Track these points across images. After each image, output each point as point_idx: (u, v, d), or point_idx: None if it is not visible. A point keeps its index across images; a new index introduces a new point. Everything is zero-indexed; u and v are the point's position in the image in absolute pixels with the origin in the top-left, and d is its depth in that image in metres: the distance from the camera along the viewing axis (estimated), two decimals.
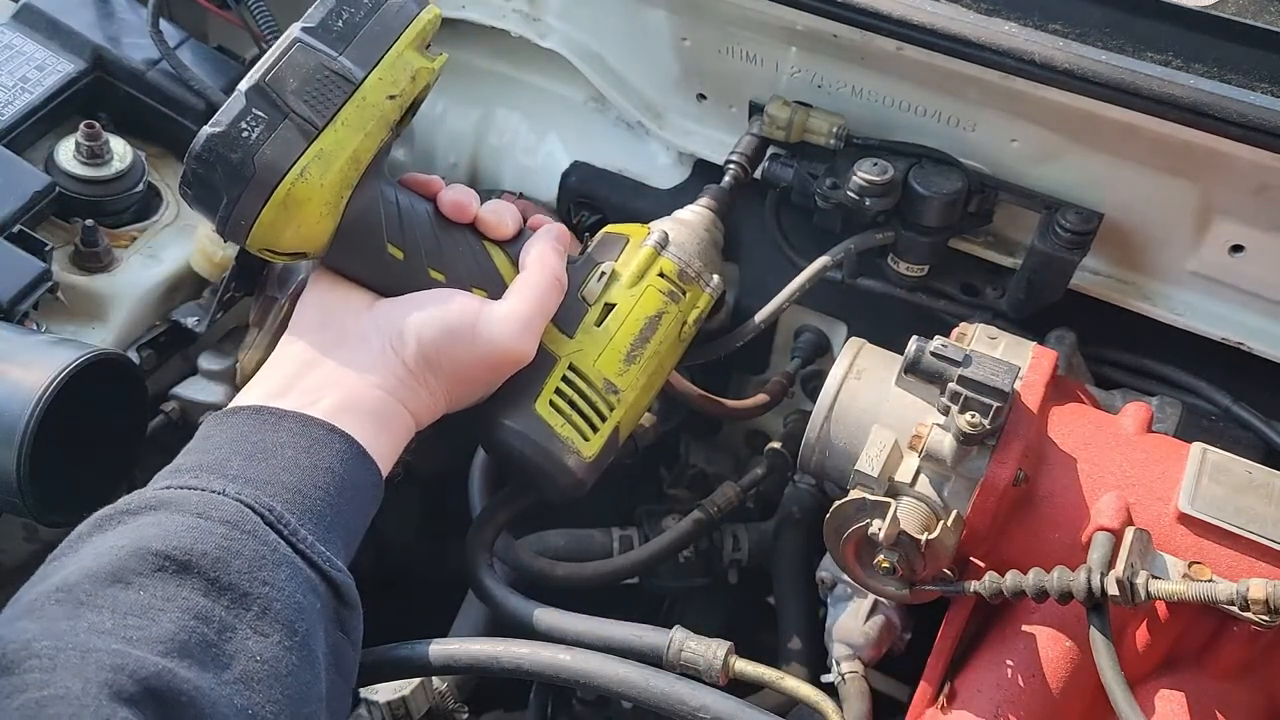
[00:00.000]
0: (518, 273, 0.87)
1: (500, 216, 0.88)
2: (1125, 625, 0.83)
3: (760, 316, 1.07)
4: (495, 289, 0.86)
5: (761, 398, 1.12)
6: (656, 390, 0.95)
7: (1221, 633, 0.81)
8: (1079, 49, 0.90)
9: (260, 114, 0.77)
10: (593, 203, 1.26)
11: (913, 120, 1.04)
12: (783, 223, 1.15)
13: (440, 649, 0.84)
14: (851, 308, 1.17)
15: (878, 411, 0.88)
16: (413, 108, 0.84)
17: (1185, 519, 0.81)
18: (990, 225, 1.06)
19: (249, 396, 0.78)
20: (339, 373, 0.79)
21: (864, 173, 1.00)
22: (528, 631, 0.88)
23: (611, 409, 0.89)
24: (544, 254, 0.87)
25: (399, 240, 0.83)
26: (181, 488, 0.69)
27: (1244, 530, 0.79)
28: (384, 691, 0.94)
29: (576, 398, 0.88)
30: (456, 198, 0.87)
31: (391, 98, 0.81)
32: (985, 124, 1.01)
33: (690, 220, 1.00)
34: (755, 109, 1.11)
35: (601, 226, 1.24)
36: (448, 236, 0.86)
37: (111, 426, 0.95)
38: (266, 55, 0.80)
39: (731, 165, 1.05)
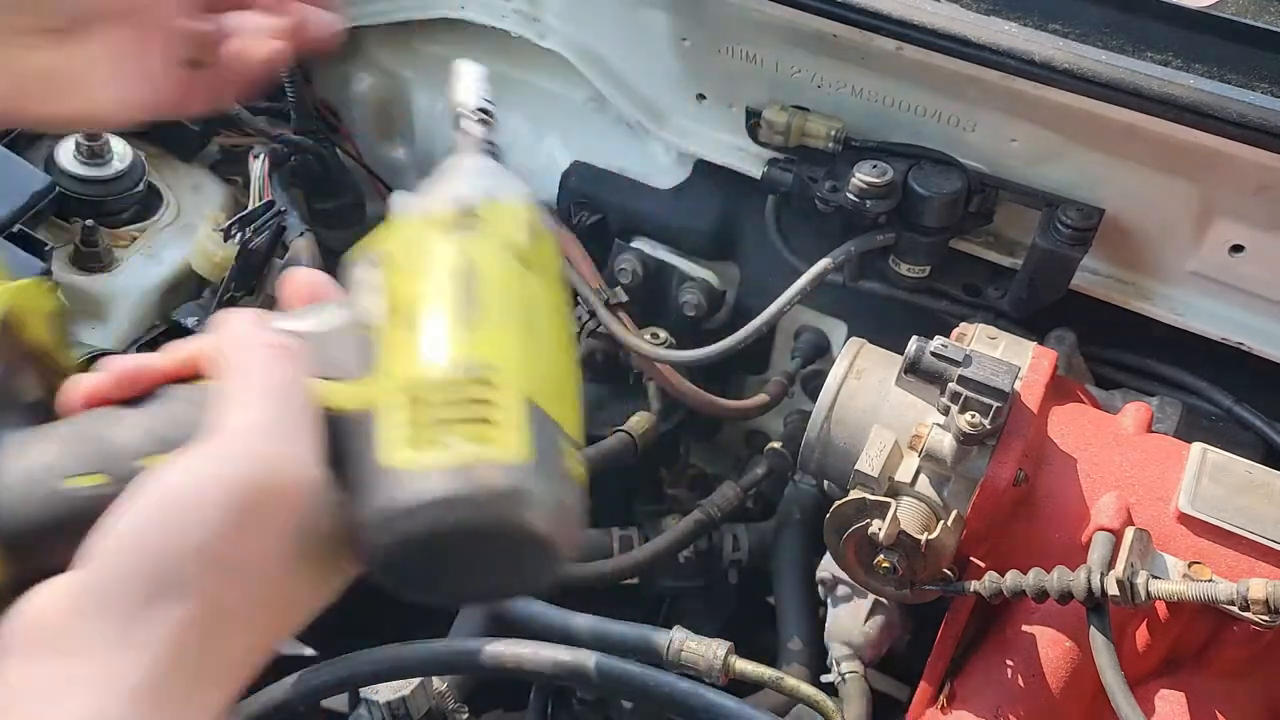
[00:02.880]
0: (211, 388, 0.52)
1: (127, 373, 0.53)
2: (1125, 625, 0.83)
3: (761, 320, 1.05)
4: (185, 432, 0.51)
5: (761, 398, 1.12)
6: (566, 339, 0.58)
7: (1221, 633, 0.81)
8: (1079, 49, 0.90)
9: None
10: (593, 203, 1.26)
11: (912, 120, 1.04)
12: (783, 226, 1.15)
13: (440, 649, 0.84)
14: (852, 308, 1.17)
15: (878, 411, 0.88)
16: None
17: (1185, 519, 0.81)
18: (991, 225, 1.06)
19: None
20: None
21: (863, 175, 0.99)
22: (528, 631, 0.88)
23: (494, 386, 0.52)
24: (239, 337, 0.53)
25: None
26: None
27: (1244, 530, 0.79)
28: (384, 691, 0.94)
29: (434, 410, 0.52)
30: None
31: None
32: (985, 124, 1.01)
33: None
34: (751, 114, 1.11)
35: (602, 226, 1.25)
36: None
37: None
38: None
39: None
